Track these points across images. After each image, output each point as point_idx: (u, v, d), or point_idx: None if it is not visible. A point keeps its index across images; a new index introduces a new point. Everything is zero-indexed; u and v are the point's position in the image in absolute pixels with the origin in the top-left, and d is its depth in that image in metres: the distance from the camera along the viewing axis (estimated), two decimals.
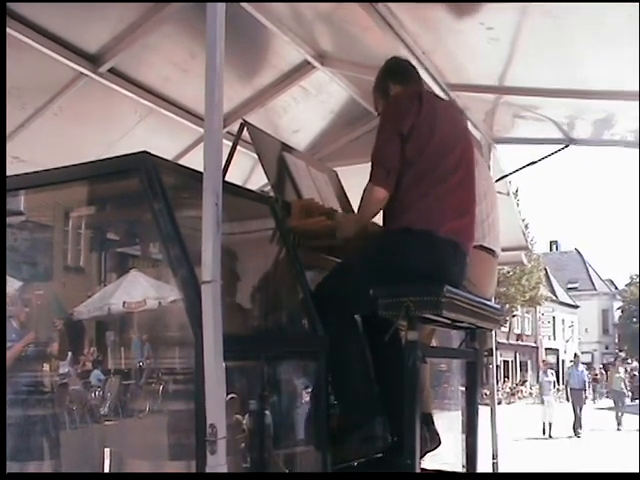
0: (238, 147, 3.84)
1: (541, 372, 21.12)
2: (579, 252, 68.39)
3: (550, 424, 18.30)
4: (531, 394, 37.58)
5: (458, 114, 3.29)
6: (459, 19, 3.61)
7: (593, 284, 65.80)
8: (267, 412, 3.05)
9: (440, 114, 3.03)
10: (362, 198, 3.07)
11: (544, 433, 18.33)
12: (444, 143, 3.00)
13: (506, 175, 5.65)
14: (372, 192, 2.98)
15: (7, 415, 3.35)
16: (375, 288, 2.80)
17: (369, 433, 3.00)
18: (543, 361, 23.90)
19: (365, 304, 2.88)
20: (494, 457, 5.40)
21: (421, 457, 3.14)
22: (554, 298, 56.06)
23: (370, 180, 2.99)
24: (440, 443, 3.41)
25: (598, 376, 38.40)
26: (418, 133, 2.93)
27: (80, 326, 4.62)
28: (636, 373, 30.86)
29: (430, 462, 3.44)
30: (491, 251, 3.82)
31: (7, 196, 3.16)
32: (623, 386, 21.75)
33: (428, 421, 3.38)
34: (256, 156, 3.87)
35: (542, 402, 19.31)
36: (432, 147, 2.95)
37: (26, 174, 2.97)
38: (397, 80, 3.24)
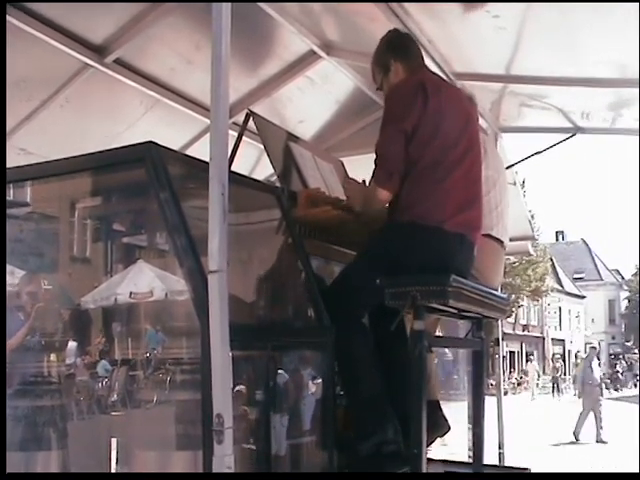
0: (244, 137, 3.84)
1: None
2: (585, 242, 68.26)
3: None
4: (537, 385, 37.53)
5: (465, 100, 3.17)
6: (465, 8, 3.59)
7: (599, 274, 65.67)
8: (273, 402, 3.05)
9: (446, 106, 2.93)
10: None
11: None
12: (450, 136, 2.91)
13: (513, 164, 5.63)
14: (375, 193, 2.93)
15: (15, 405, 3.37)
16: (381, 279, 2.76)
17: (382, 439, 2.94)
18: None
19: (373, 300, 2.86)
20: (500, 447, 5.41)
21: (430, 443, 3.14)
22: (560, 288, 55.99)
23: (373, 179, 2.94)
24: (449, 429, 3.41)
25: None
26: (423, 130, 2.84)
27: (87, 317, 4.64)
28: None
29: (437, 452, 3.44)
30: (499, 241, 3.79)
31: (13, 187, 3.17)
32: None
33: (435, 408, 3.38)
34: (262, 146, 3.87)
35: None
36: (438, 142, 2.87)
37: (32, 165, 2.97)
38: (398, 55, 3.12)
